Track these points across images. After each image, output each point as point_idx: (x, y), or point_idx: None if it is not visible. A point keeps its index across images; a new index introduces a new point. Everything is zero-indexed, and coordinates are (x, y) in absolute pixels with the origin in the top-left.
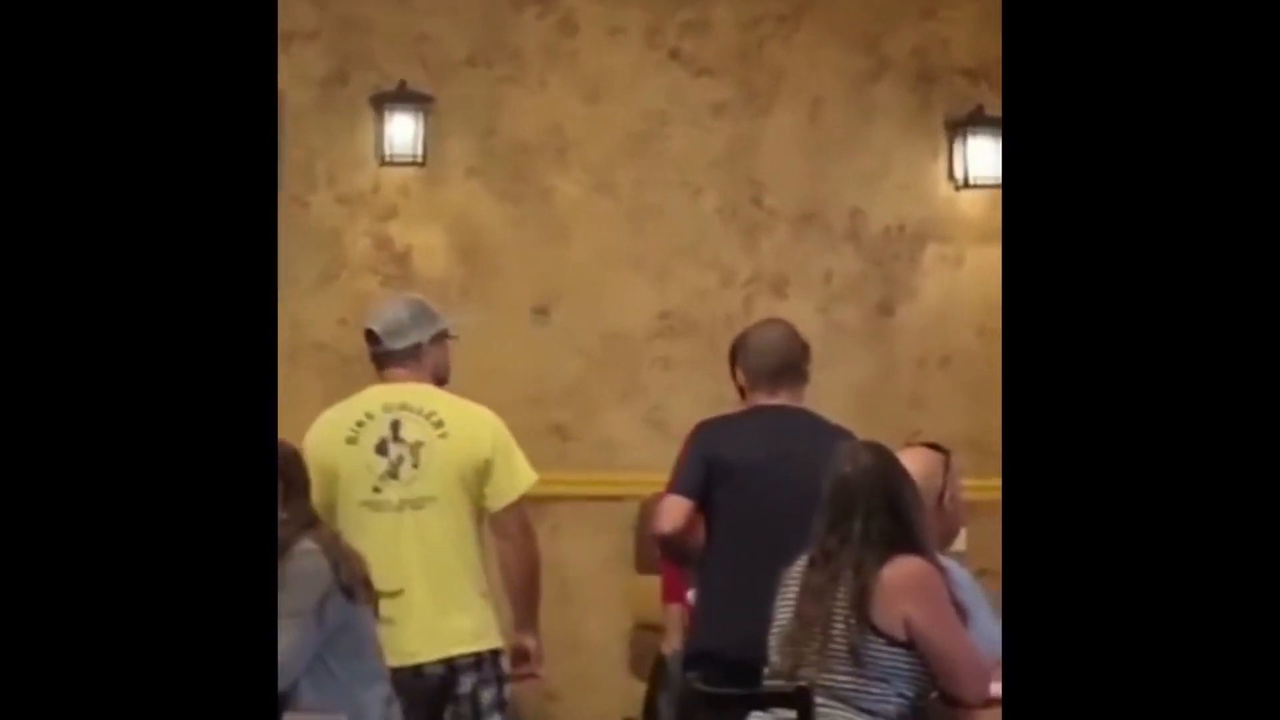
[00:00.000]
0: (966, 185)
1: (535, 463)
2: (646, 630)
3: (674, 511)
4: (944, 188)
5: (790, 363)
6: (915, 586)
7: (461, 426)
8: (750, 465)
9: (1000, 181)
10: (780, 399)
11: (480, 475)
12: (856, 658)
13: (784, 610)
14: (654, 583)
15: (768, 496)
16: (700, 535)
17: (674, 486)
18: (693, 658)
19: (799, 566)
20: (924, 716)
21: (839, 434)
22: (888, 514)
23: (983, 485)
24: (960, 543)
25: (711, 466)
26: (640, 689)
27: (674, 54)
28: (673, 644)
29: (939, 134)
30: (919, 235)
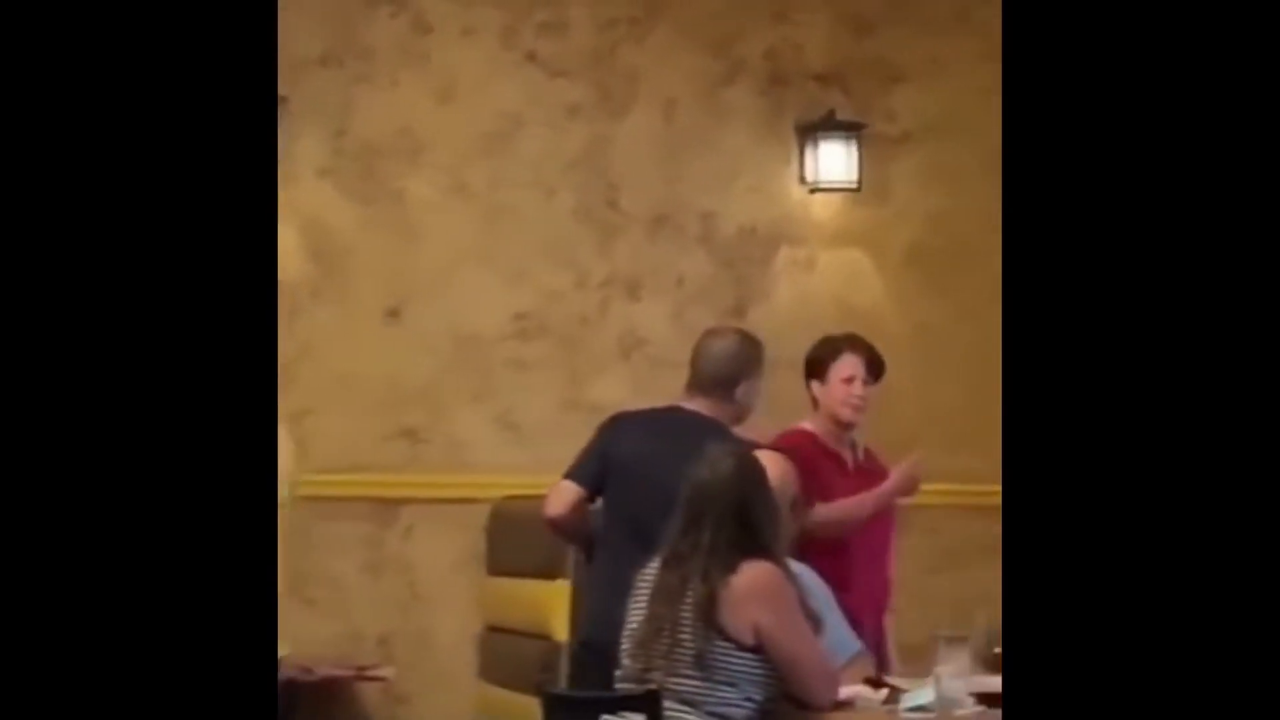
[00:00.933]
0: (818, 189)
1: (387, 465)
2: (497, 632)
3: (560, 496)
4: (796, 191)
5: (717, 377)
6: (764, 593)
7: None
8: (635, 461)
9: (853, 185)
10: (697, 405)
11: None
12: (703, 663)
13: (636, 612)
14: (505, 585)
15: (646, 494)
16: (592, 524)
17: (569, 472)
18: (580, 647)
19: (653, 568)
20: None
21: (713, 436)
22: (737, 523)
23: None
24: None
25: (606, 458)
26: (490, 691)
27: (529, 55)
28: None
29: (790, 137)
30: (771, 238)
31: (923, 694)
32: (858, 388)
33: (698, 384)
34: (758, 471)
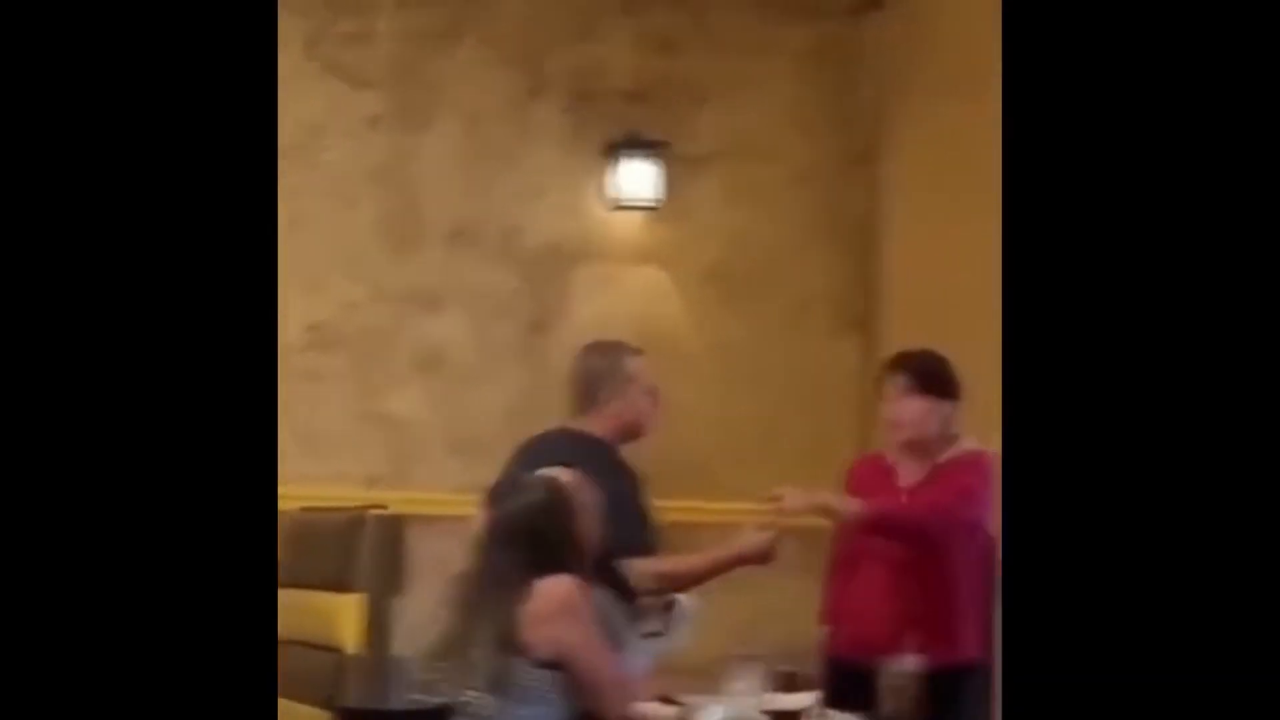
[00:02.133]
0: (621, 207)
1: None
2: (288, 645)
3: (477, 523)
4: (598, 208)
5: (581, 392)
6: (561, 608)
7: None
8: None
9: (655, 203)
10: (579, 422)
11: None
12: (496, 680)
13: (436, 625)
14: (297, 596)
15: None
16: None
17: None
18: None
19: (456, 583)
20: None
21: (586, 456)
22: (533, 548)
23: None
24: None
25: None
26: (280, 704)
27: (332, 65)
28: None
29: (595, 155)
30: (573, 254)
31: (714, 711)
32: (893, 405)
33: (573, 401)
34: (560, 497)
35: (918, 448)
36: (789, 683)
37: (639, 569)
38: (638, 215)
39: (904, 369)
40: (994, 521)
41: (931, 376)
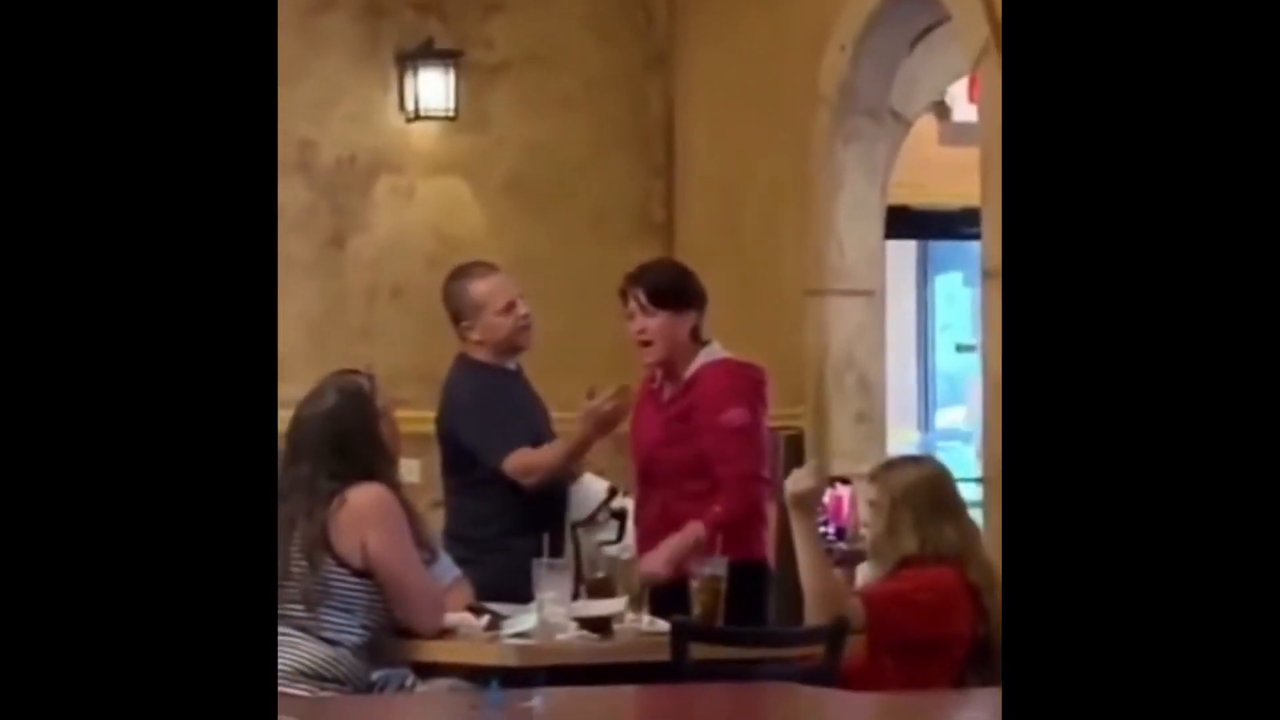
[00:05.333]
0: (417, 118)
1: None
2: None
3: None
4: (394, 119)
5: (451, 316)
6: (371, 514)
7: None
8: None
9: (451, 114)
10: (463, 345)
11: None
12: (310, 597)
13: None
14: None
15: None
16: None
17: None
18: None
19: None
20: (380, 645)
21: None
22: (338, 456)
23: (430, 417)
24: (415, 474)
25: None
26: None
27: None
28: None
29: (389, 65)
30: (370, 167)
31: (524, 620)
32: (633, 322)
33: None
34: (360, 402)
35: (665, 364)
36: (602, 589)
37: (513, 463)
38: (434, 126)
39: (639, 283)
40: (762, 422)
41: (667, 289)
